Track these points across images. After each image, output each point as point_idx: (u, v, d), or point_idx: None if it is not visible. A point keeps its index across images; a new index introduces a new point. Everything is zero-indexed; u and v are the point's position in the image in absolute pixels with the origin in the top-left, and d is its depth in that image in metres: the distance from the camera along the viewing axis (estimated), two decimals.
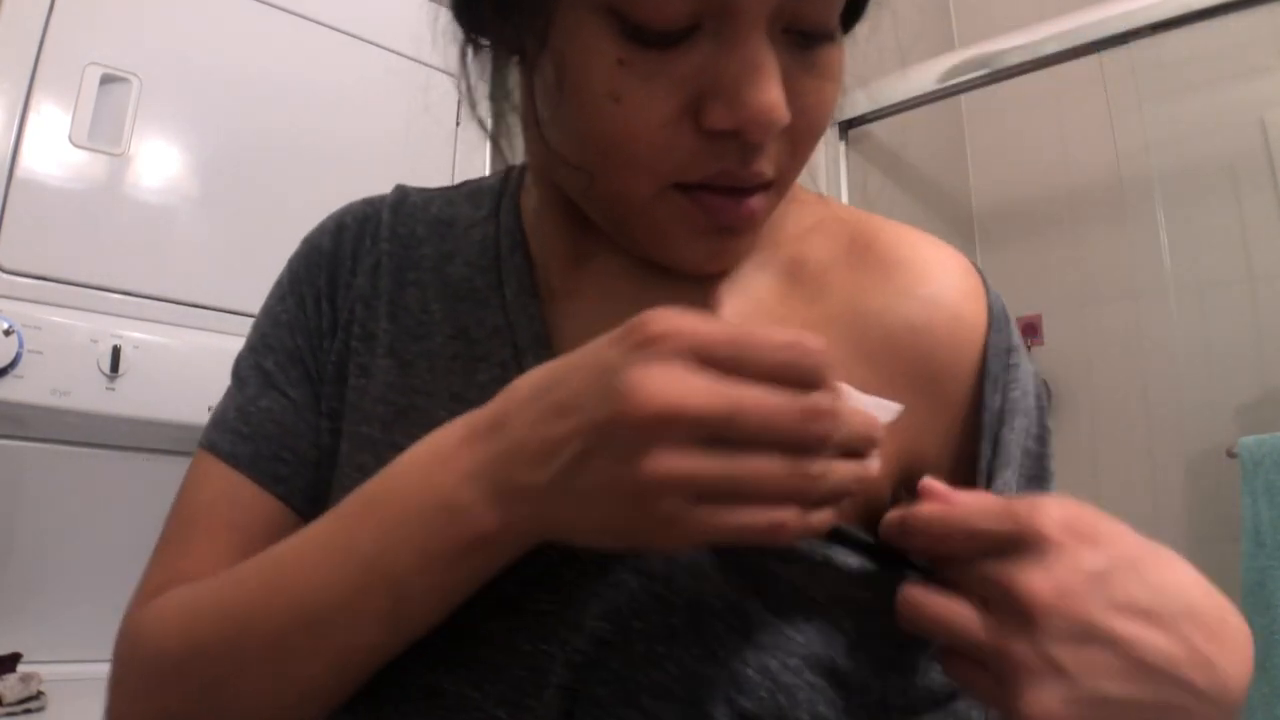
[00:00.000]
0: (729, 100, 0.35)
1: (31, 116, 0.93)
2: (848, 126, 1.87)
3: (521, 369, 0.41)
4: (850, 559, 0.38)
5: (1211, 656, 0.32)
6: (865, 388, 0.40)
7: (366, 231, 0.52)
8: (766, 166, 0.38)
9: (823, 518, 0.32)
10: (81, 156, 0.95)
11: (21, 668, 0.86)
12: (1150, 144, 1.88)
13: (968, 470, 0.42)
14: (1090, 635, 0.31)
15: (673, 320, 0.31)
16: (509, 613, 0.38)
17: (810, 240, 0.46)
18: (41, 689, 0.85)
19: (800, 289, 0.45)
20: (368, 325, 0.48)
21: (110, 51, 0.98)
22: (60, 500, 0.96)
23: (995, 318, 0.44)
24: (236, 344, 1.03)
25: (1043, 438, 0.45)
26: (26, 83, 0.93)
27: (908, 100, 1.82)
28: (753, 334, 0.30)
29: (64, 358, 0.88)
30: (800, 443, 0.30)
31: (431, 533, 0.34)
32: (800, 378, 0.30)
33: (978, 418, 0.42)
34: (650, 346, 0.30)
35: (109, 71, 0.97)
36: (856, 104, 1.87)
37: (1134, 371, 1.95)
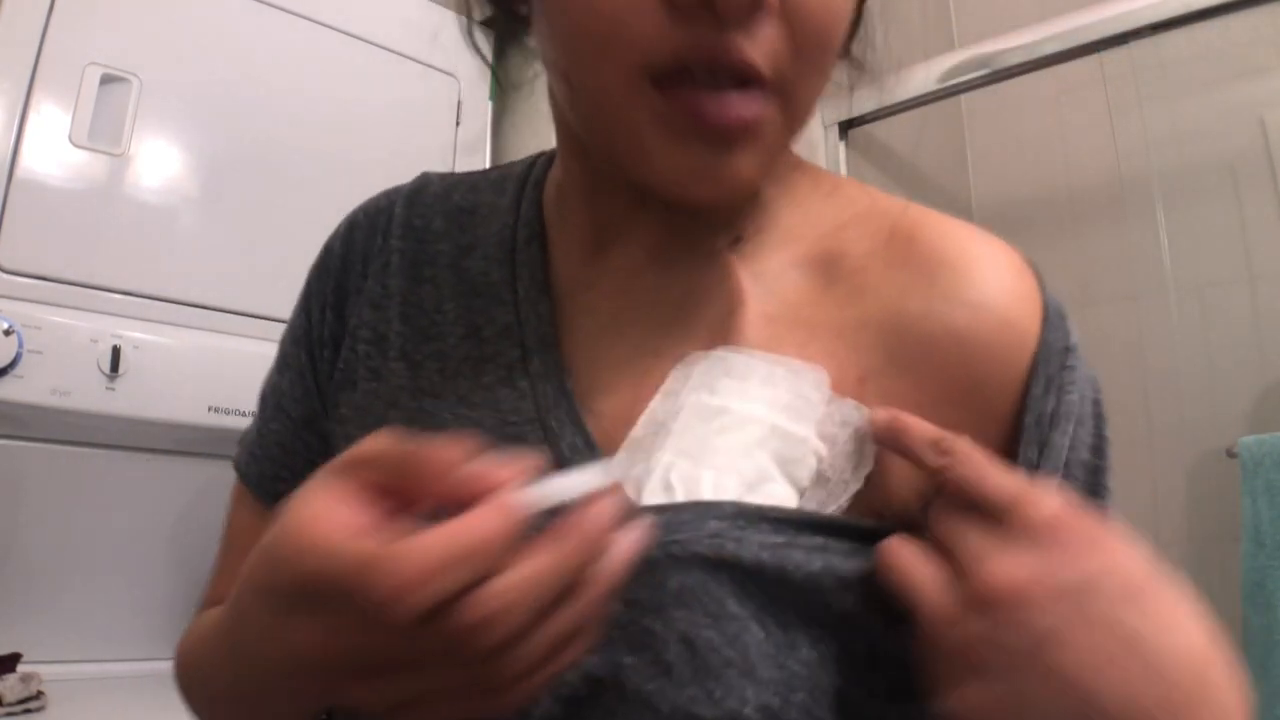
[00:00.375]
0: None
1: (31, 116, 0.93)
2: (848, 126, 1.87)
3: (528, 373, 0.41)
4: (847, 563, 0.35)
5: (1180, 716, 0.28)
6: (902, 400, 0.38)
7: (378, 228, 0.50)
8: (754, 53, 0.33)
9: (545, 676, 0.29)
10: (81, 156, 0.95)
11: (21, 668, 0.85)
12: (1150, 144, 1.88)
13: None
14: (1039, 647, 0.29)
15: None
16: None
17: (848, 233, 0.42)
18: (41, 689, 0.85)
19: (834, 288, 0.41)
20: (378, 328, 0.47)
21: (110, 51, 0.98)
22: (60, 500, 0.96)
23: (1050, 317, 0.40)
24: (236, 344, 1.03)
25: (1099, 449, 0.40)
26: (26, 83, 0.93)
27: (908, 100, 1.82)
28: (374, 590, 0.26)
29: (64, 358, 0.88)
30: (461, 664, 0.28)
31: (282, 682, 0.33)
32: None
33: (1023, 423, 0.38)
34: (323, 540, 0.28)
35: (109, 71, 0.97)
36: (856, 104, 1.87)
37: (1134, 371, 1.95)
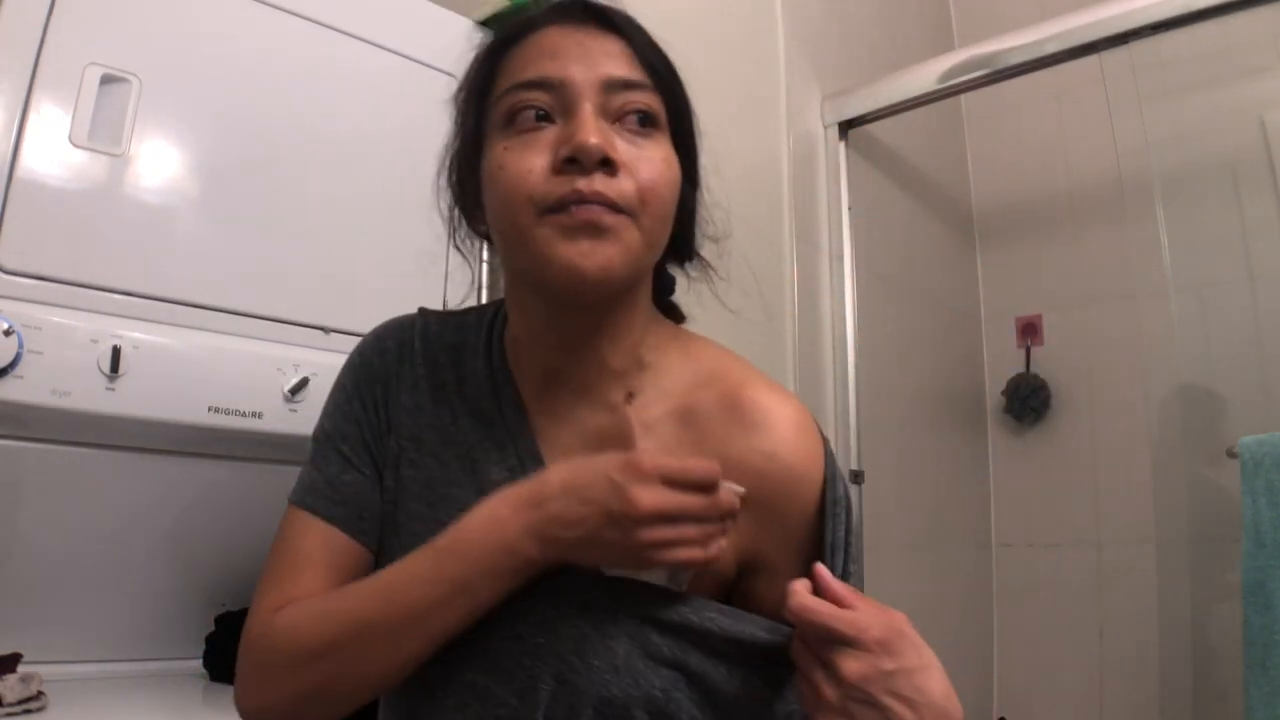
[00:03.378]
0: (567, 139, 0.58)
1: (31, 116, 0.92)
2: (848, 126, 1.87)
3: (525, 473, 0.63)
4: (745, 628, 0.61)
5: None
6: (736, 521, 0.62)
7: (405, 355, 0.71)
8: (610, 191, 0.57)
9: (718, 547, 0.57)
10: (81, 157, 0.95)
11: (21, 668, 0.85)
12: (1150, 144, 1.88)
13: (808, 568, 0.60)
14: (870, 701, 0.52)
15: (646, 461, 0.55)
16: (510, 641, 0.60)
17: (701, 392, 0.65)
18: (41, 689, 0.85)
19: (690, 432, 0.64)
20: (414, 431, 0.68)
21: (110, 51, 0.98)
22: (60, 500, 0.96)
23: (830, 472, 0.64)
24: (237, 344, 1.03)
25: (849, 546, 0.65)
26: (26, 83, 0.93)
27: (908, 100, 1.82)
28: (688, 465, 0.56)
29: (64, 358, 0.88)
30: (708, 516, 0.56)
31: (498, 563, 0.57)
32: (708, 484, 0.56)
33: (821, 543, 0.63)
34: (638, 475, 0.55)
35: (109, 71, 0.97)
36: (856, 104, 1.87)
37: (1134, 371, 1.95)
